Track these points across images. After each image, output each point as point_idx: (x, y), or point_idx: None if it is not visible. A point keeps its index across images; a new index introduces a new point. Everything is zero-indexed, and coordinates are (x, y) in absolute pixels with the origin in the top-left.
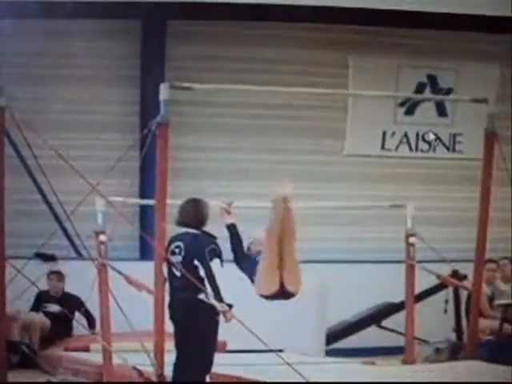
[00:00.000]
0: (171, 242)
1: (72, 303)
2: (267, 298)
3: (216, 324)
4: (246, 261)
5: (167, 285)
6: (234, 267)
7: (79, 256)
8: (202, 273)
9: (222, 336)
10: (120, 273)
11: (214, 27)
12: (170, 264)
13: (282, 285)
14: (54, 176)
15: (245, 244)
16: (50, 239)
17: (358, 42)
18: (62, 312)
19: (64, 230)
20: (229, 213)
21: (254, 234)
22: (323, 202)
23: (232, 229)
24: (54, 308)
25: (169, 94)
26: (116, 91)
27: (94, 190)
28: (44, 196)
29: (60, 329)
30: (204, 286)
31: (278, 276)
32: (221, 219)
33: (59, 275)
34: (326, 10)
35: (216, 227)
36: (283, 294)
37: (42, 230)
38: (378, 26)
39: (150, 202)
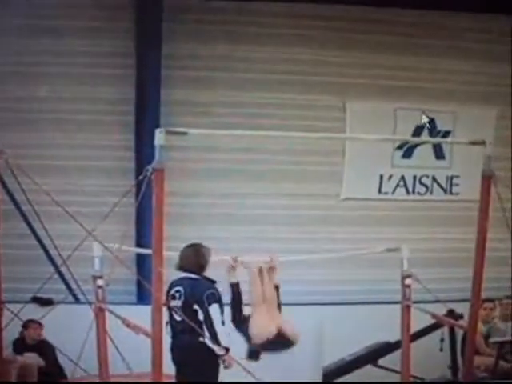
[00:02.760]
0: (171, 286)
1: (45, 349)
2: (264, 347)
3: (216, 366)
4: (242, 325)
5: (169, 328)
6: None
7: (76, 300)
8: (201, 317)
9: (221, 378)
10: (118, 316)
11: (209, 72)
12: (171, 308)
13: (279, 329)
14: (49, 221)
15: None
16: (46, 283)
17: (355, 85)
18: (38, 362)
19: (60, 274)
20: (234, 268)
21: None
22: (319, 245)
23: (234, 288)
24: (29, 357)
25: (164, 139)
26: (111, 137)
27: (90, 235)
28: (40, 241)
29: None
30: (203, 329)
31: (274, 321)
32: (227, 275)
33: (36, 324)
34: None
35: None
36: (280, 338)
37: (38, 274)
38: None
39: (147, 251)
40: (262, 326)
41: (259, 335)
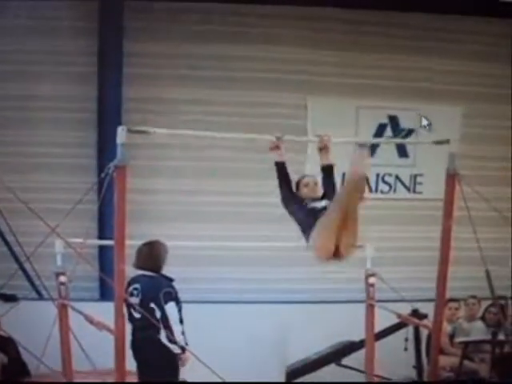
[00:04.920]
0: (130, 283)
1: (8, 346)
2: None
3: (176, 363)
4: (292, 202)
5: (129, 325)
6: (194, 308)
7: (39, 296)
8: (158, 315)
9: (182, 375)
10: (81, 313)
11: (173, 70)
12: (129, 305)
13: (337, 247)
14: (12, 218)
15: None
16: (9, 280)
17: (317, 82)
18: (1, 358)
19: (24, 270)
20: (278, 148)
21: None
22: (282, 243)
23: (279, 167)
24: None
25: (125, 137)
26: (72, 134)
27: (53, 231)
28: (3, 237)
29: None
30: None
31: (335, 237)
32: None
33: None
34: None
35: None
36: (335, 256)
37: (1, 271)
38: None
39: (109, 242)
40: (323, 244)
41: (317, 250)
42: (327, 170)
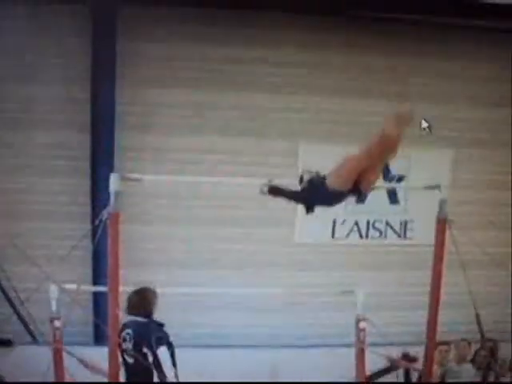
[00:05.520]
0: (122, 329)
1: None
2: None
3: None
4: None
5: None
6: (186, 353)
7: (35, 341)
8: (150, 360)
9: None
10: (75, 357)
11: (168, 117)
12: (122, 350)
13: (356, 183)
14: (7, 263)
15: None
16: (4, 324)
17: (308, 129)
18: None
19: (19, 315)
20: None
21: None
22: (272, 288)
23: (274, 190)
24: None
25: (119, 184)
26: (66, 181)
27: (48, 277)
28: None
29: None
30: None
31: (358, 173)
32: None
33: None
34: None
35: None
36: (353, 190)
37: None
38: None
39: (103, 288)
40: (342, 178)
41: (334, 183)
42: None
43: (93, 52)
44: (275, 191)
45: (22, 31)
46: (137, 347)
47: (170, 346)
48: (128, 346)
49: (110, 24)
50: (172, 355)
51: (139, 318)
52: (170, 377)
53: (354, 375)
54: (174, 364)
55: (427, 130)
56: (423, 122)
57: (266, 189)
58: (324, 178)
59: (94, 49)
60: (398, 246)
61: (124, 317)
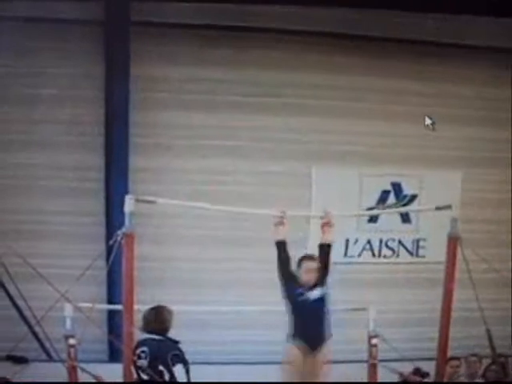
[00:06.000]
0: (137, 346)
1: None
2: None
3: None
4: (289, 284)
5: None
6: (203, 369)
7: (50, 358)
8: (166, 377)
9: None
10: (90, 374)
11: (177, 140)
12: (138, 368)
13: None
14: (22, 283)
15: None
16: (20, 342)
17: (321, 151)
18: None
19: (34, 333)
20: (282, 223)
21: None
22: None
23: (280, 246)
24: None
25: (133, 205)
26: (81, 202)
27: (63, 296)
28: (13, 301)
29: None
30: None
31: None
32: (273, 233)
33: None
34: None
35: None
36: None
37: (12, 333)
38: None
39: (117, 307)
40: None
41: None
42: (326, 249)
43: (106, 72)
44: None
45: (33, 57)
46: (152, 365)
47: (186, 364)
48: (143, 363)
49: (124, 47)
50: (187, 372)
51: (155, 336)
52: None
53: None
54: (189, 381)
55: (431, 126)
56: (427, 118)
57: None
58: None
59: (108, 70)
60: (410, 264)
61: (139, 334)
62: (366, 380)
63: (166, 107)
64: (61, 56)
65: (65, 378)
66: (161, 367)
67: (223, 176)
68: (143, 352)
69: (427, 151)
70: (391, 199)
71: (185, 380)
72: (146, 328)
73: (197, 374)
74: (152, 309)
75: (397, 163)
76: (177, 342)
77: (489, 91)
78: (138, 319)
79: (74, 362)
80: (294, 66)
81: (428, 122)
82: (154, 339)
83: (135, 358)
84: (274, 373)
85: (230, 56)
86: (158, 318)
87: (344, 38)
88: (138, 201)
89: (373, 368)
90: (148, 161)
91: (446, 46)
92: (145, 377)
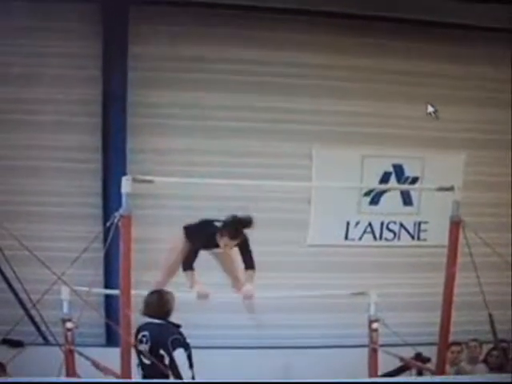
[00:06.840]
0: (139, 330)
1: None
2: None
3: None
4: None
5: (140, 370)
6: (203, 353)
7: (46, 342)
8: (167, 362)
9: None
10: (87, 358)
11: (175, 120)
12: (139, 352)
13: None
14: (18, 265)
15: None
16: (16, 326)
17: (322, 132)
18: None
19: (30, 317)
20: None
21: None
22: (285, 291)
23: None
24: None
25: (130, 186)
26: (78, 183)
27: (59, 279)
28: (9, 284)
29: None
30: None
31: None
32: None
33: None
34: None
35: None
36: None
37: (8, 317)
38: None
39: (114, 291)
40: None
41: None
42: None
43: (104, 52)
44: None
45: (30, 34)
46: (153, 349)
47: (187, 348)
48: (145, 347)
49: (122, 26)
50: (189, 357)
51: (156, 320)
52: (187, 378)
53: (366, 375)
54: (191, 366)
55: (433, 114)
56: (429, 106)
57: None
58: None
59: (106, 49)
60: (411, 247)
61: (136, 317)
62: (366, 365)
63: (165, 87)
64: (59, 35)
65: (61, 361)
66: (161, 352)
67: (224, 157)
68: (144, 336)
69: (429, 133)
70: (392, 181)
71: (186, 364)
72: (148, 312)
73: (201, 357)
74: (153, 292)
75: (398, 145)
76: (178, 326)
77: (493, 72)
78: (136, 302)
79: (71, 346)
80: (297, 46)
81: (430, 109)
82: (154, 323)
83: (136, 342)
84: (279, 357)
85: (230, 35)
86: (159, 302)
87: (346, 18)
88: (135, 181)
89: (373, 353)
90: (146, 141)
91: (451, 27)
92: (146, 361)
